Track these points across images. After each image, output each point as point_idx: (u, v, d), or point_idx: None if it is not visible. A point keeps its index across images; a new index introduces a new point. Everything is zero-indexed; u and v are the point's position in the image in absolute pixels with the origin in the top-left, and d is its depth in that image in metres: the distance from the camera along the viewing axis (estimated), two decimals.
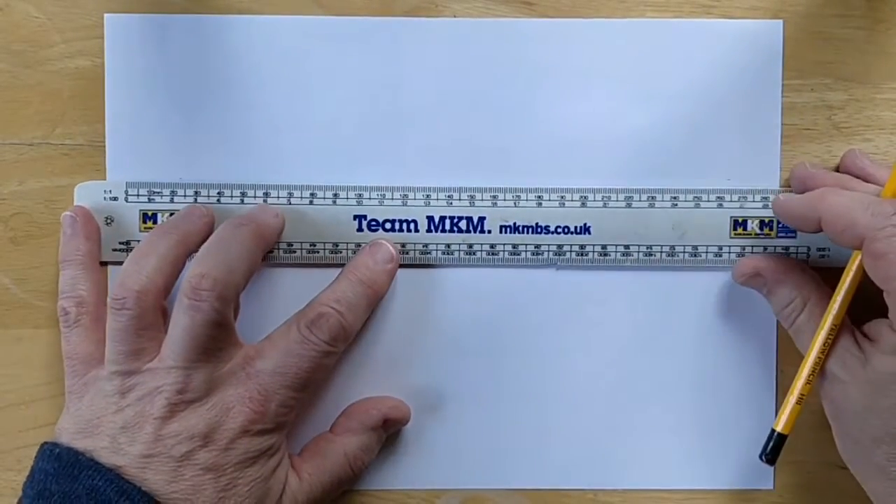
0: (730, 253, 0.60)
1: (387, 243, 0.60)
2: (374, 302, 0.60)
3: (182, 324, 0.53)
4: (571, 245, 0.60)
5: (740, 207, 0.60)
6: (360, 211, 0.60)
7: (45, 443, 0.54)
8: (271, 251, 0.60)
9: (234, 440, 0.54)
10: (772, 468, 0.62)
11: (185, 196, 0.60)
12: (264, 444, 0.55)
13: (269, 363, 0.55)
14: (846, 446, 0.55)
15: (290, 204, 0.60)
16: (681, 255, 0.60)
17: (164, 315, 0.57)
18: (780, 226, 0.60)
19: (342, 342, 0.58)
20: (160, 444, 0.53)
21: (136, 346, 0.54)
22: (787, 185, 0.61)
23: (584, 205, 0.60)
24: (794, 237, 0.60)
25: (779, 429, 0.57)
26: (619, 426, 0.62)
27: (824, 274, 0.59)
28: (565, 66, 0.61)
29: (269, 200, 0.60)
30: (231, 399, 0.54)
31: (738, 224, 0.60)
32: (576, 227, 0.60)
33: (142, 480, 0.52)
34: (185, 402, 0.53)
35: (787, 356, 0.62)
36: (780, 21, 0.61)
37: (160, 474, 0.52)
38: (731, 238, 0.60)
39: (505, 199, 0.60)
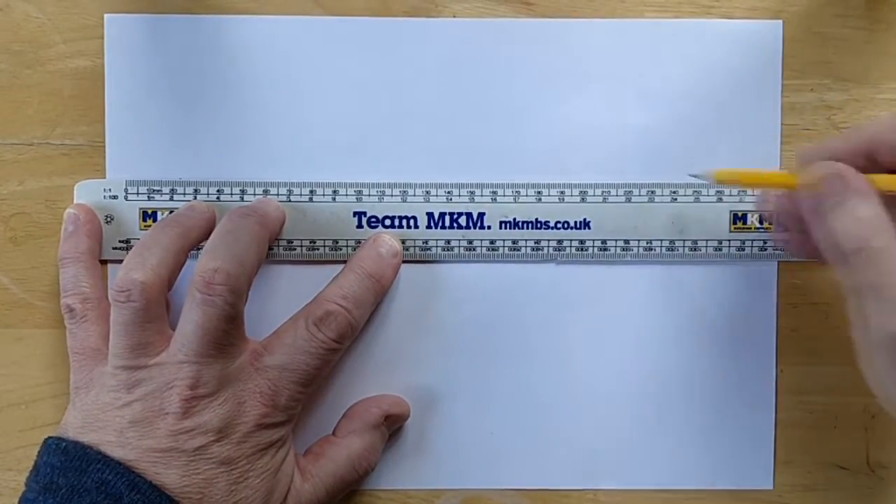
0: (729, 247, 0.60)
1: (390, 237, 0.60)
2: (381, 296, 0.60)
3: (195, 318, 0.53)
4: (571, 240, 0.60)
5: (740, 201, 0.60)
6: (359, 208, 0.60)
7: (49, 437, 0.54)
8: (271, 248, 0.60)
9: (248, 434, 0.54)
10: (771, 469, 0.62)
11: (184, 194, 0.60)
12: (275, 436, 0.55)
13: (277, 359, 0.55)
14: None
15: (289, 201, 0.60)
16: (680, 250, 0.60)
17: (168, 309, 0.57)
18: None
19: (349, 339, 0.58)
20: (173, 440, 0.52)
21: (141, 339, 0.53)
22: None
23: (583, 200, 0.60)
24: None
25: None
26: (618, 425, 0.62)
27: (824, 267, 0.59)
28: (565, 66, 0.61)
29: (269, 198, 0.60)
30: (242, 394, 0.54)
31: (738, 218, 0.60)
32: (575, 223, 0.60)
33: (153, 475, 0.52)
34: (197, 398, 0.53)
35: (787, 354, 0.62)
36: (780, 21, 0.61)
37: (173, 469, 0.52)
38: (730, 232, 0.60)
39: (504, 195, 0.60)
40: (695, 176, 0.55)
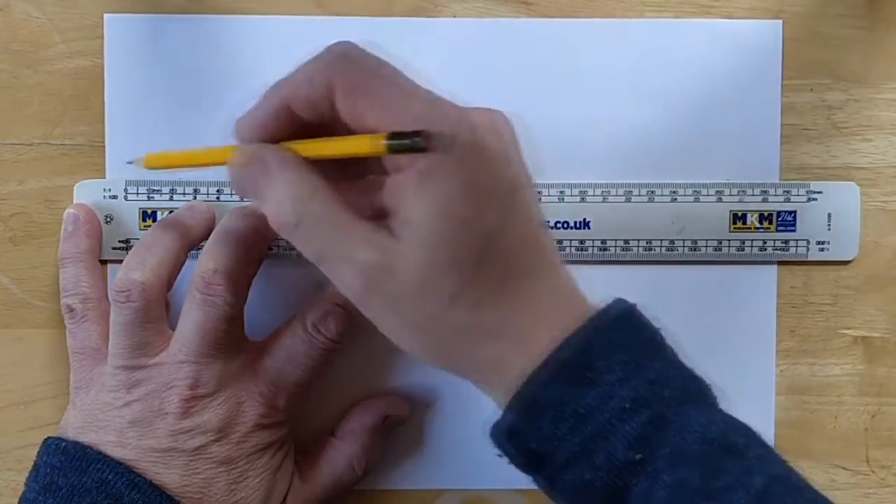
0: (729, 247, 0.60)
1: None
2: None
3: (194, 318, 0.53)
4: (571, 240, 0.60)
5: (740, 201, 0.60)
6: None
7: (49, 437, 0.54)
8: (271, 248, 0.60)
9: (248, 434, 0.54)
10: None
11: (184, 194, 0.60)
12: (274, 436, 0.56)
13: (277, 360, 0.56)
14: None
15: None
16: (680, 250, 0.60)
17: (167, 309, 0.57)
18: (780, 219, 0.60)
19: (348, 338, 0.57)
20: (173, 440, 0.52)
21: (140, 339, 0.53)
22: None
23: (583, 199, 0.60)
24: (794, 230, 0.61)
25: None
26: None
27: (824, 267, 0.60)
28: (565, 66, 0.61)
29: None
30: (242, 394, 0.54)
31: (738, 217, 0.60)
32: (575, 222, 0.60)
33: (153, 475, 0.52)
34: (196, 398, 0.53)
35: (786, 354, 0.62)
36: (780, 21, 0.61)
37: (173, 468, 0.52)
38: (730, 232, 0.60)
39: None
40: (129, 163, 0.57)
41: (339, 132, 0.48)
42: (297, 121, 0.49)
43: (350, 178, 0.50)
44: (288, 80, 0.49)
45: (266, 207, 0.48)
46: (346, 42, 0.48)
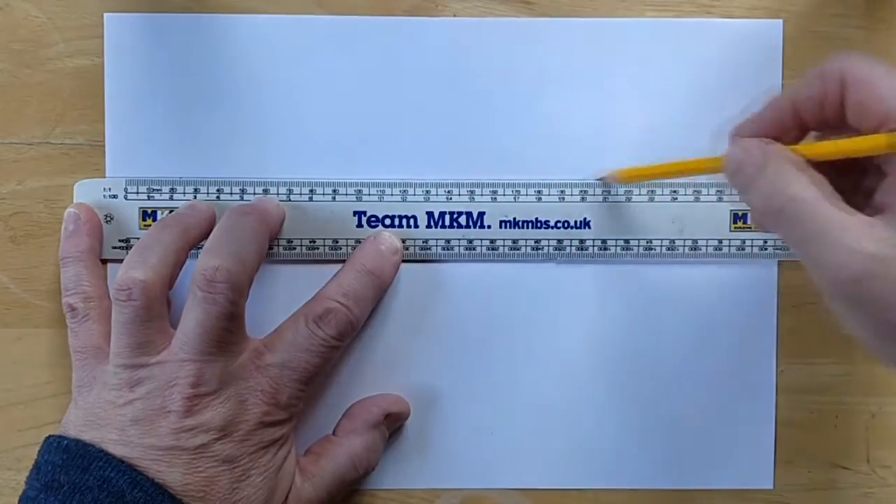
0: (730, 246, 0.60)
1: (390, 235, 0.60)
2: (381, 293, 0.60)
3: (196, 316, 0.53)
4: (571, 240, 0.60)
5: (740, 200, 0.60)
6: (359, 207, 0.60)
7: (50, 435, 0.54)
8: (271, 247, 0.60)
9: (250, 432, 0.54)
10: (772, 468, 0.62)
11: (184, 193, 0.60)
12: (276, 434, 0.55)
13: (279, 357, 0.55)
14: None
15: (289, 200, 0.60)
16: (681, 249, 0.60)
17: (168, 307, 0.57)
18: None
19: (349, 336, 0.58)
20: (175, 438, 0.52)
21: (142, 338, 0.53)
22: None
23: (583, 199, 0.60)
24: None
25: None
26: (618, 425, 0.62)
27: None
28: (565, 66, 0.61)
29: (269, 197, 0.60)
30: (244, 392, 0.54)
31: (738, 217, 0.60)
32: (576, 222, 0.60)
33: (155, 473, 0.52)
34: (198, 396, 0.53)
35: (787, 354, 0.62)
36: (780, 21, 0.61)
37: (175, 467, 0.52)
38: (731, 231, 0.60)
39: (504, 195, 0.60)
40: (601, 179, 0.59)
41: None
42: (798, 125, 0.50)
43: (843, 180, 0.49)
44: (799, 83, 0.50)
45: (753, 194, 0.48)
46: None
